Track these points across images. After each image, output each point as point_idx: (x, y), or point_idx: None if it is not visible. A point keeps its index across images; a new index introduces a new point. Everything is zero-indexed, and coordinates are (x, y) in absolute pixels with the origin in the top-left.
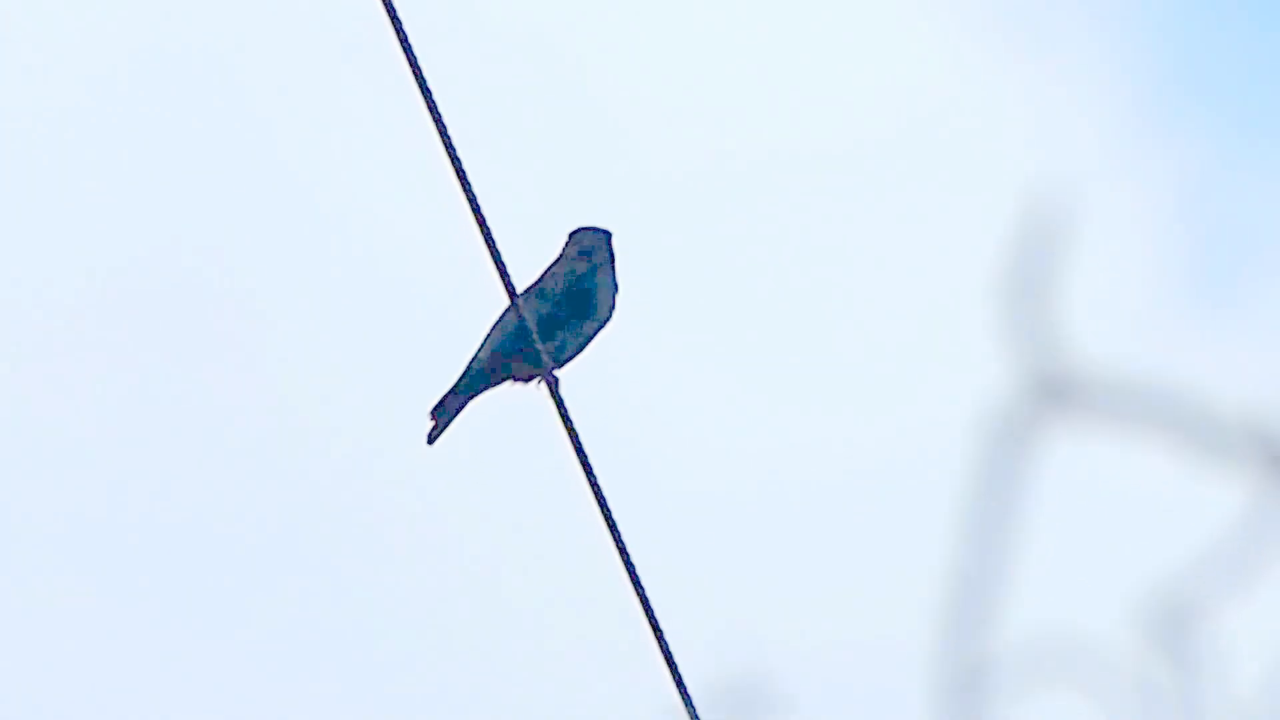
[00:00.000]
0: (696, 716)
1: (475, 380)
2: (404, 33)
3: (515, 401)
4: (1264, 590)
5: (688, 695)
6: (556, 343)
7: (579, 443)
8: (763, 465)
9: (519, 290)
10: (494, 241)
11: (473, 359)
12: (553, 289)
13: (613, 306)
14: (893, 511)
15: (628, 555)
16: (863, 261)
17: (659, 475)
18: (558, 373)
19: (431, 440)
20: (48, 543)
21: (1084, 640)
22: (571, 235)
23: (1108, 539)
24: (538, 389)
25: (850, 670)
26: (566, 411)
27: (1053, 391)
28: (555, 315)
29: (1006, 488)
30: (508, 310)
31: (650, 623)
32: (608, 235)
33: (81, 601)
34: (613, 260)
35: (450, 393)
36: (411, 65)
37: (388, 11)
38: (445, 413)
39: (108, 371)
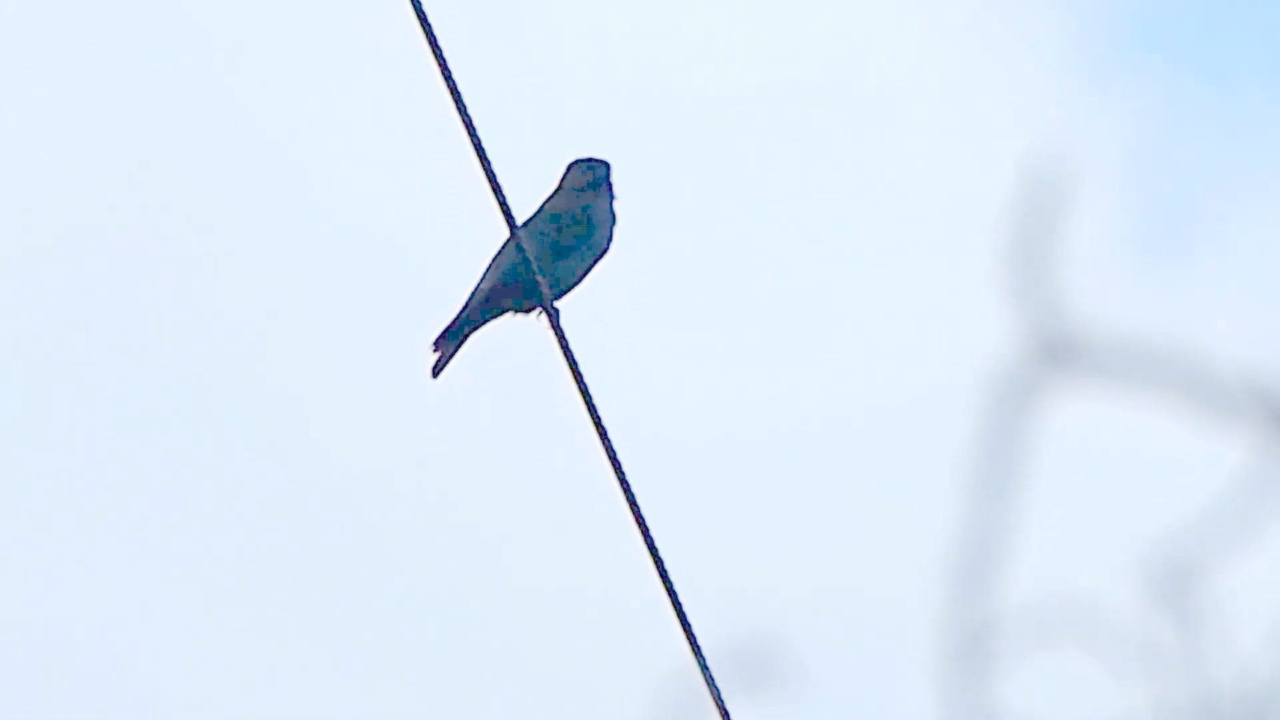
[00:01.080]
0: (704, 662)
1: (476, 312)
2: None
3: (517, 333)
4: (1265, 548)
5: (694, 637)
6: (556, 274)
7: (580, 375)
8: (764, 422)
9: (519, 222)
10: (494, 172)
11: (473, 291)
12: (551, 220)
13: (610, 238)
14: (896, 472)
15: (629, 486)
16: (863, 218)
17: (661, 419)
18: (558, 304)
19: (436, 373)
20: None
21: (1086, 600)
22: (570, 166)
23: (1110, 499)
24: (538, 320)
25: (855, 632)
26: (567, 343)
27: (1054, 351)
28: (554, 247)
29: (1009, 448)
30: (507, 242)
31: (654, 559)
32: (607, 166)
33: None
34: (611, 191)
35: (451, 325)
36: None
37: None
38: (447, 345)
39: (98, 308)
